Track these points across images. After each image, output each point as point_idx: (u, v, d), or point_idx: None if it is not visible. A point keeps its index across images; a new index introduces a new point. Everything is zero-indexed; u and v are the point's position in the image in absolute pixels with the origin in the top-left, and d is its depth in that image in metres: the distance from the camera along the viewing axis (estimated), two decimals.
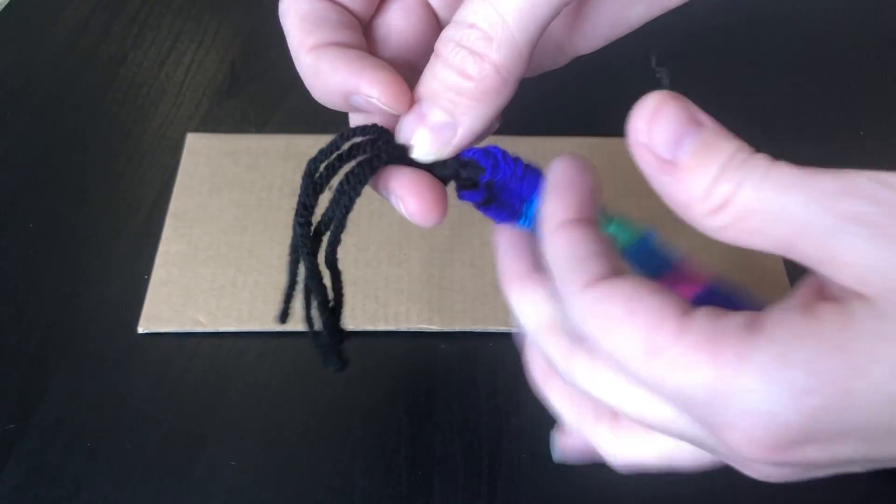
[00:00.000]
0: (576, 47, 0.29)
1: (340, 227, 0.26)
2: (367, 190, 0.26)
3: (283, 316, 0.29)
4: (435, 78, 0.24)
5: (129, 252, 0.42)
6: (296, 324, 0.39)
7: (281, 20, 0.27)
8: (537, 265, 0.24)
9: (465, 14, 0.23)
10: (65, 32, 0.55)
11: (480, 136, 0.26)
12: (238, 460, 0.35)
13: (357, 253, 0.42)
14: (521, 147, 0.52)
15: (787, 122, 0.50)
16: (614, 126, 0.52)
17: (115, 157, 0.47)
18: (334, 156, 0.26)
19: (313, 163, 0.26)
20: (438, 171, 0.25)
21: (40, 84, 0.51)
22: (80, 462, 0.34)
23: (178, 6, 0.57)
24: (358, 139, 0.26)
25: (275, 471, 0.34)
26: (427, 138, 0.25)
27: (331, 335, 0.29)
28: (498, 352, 0.39)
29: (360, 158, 0.25)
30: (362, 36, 0.27)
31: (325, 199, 0.26)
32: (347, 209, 0.26)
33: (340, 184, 0.25)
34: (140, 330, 0.38)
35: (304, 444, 0.35)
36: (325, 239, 0.26)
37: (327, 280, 0.27)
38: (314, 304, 0.28)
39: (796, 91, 0.52)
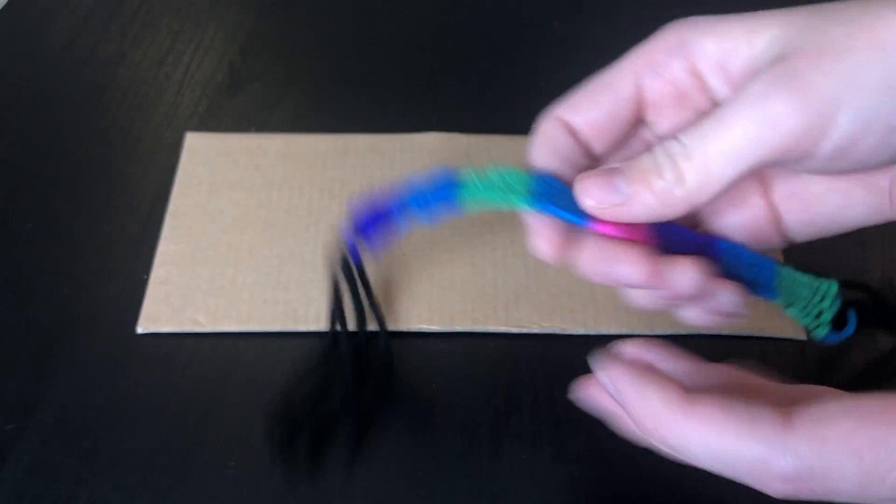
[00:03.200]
0: (789, 232, 0.31)
1: None
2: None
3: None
4: (636, 162, 0.27)
5: (128, 252, 0.42)
6: (295, 324, 0.39)
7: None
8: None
9: (683, 132, 0.26)
10: (63, 32, 0.55)
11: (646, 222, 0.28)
12: (238, 460, 0.34)
13: None
14: (521, 146, 0.52)
15: None
16: None
17: (114, 157, 0.47)
18: None
19: None
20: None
21: (39, 84, 0.51)
22: (80, 462, 0.34)
23: (177, 6, 0.57)
24: None
25: (275, 471, 0.34)
26: (599, 192, 0.28)
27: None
28: (498, 352, 0.38)
29: None
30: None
31: None
32: None
33: None
34: (139, 330, 0.38)
35: (304, 445, 0.35)
36: None
37: None
38: None
39: None
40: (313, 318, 0.39)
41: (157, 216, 0.43)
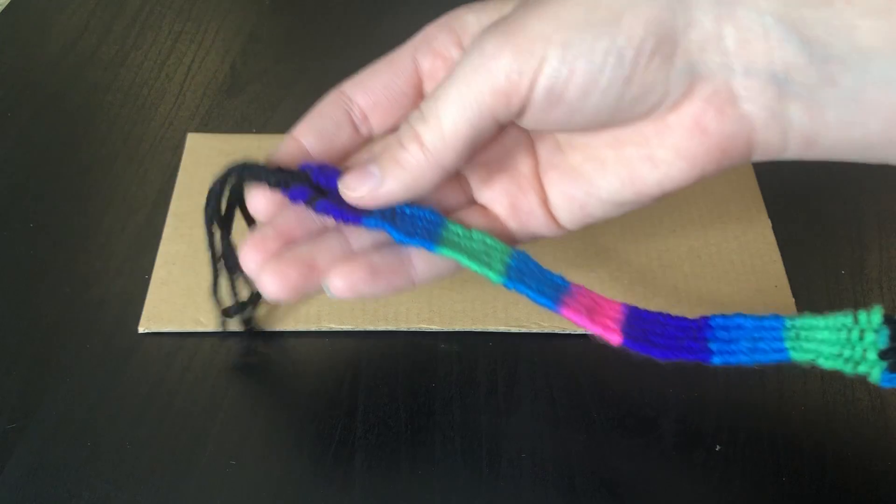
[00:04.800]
0: (555, 210, 0.32)
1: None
2: None
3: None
4: (385, 142, 0.29)
5: (130, 252, 0.42)
6: (296, 323, 0.39)
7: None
8: None
9: (421, 102, 0.28)
10: (65, 32, 0.55)
11: (410, 200, 0.29)
12: (238, 460, 0.35)
13: None
14: None
15: None
16: None
17: (115, 158, 0.47)
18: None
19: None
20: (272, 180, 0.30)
21: (40, 84, 0.51)
22: (80, 462, 0.34)
23: (179, 6, 0.57)
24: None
25: (275, 471, 0.34)
26: (356, 182, 0.29)
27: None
28: (498, 352, 0.39)
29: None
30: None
31: None
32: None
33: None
34: (140, 330, 0.39)
35: (304, 444, 0.35)
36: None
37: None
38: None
39: None
40: (314, 317, 0.39)
41: (159, 216, 0.43)
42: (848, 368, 0.27)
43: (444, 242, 0.30)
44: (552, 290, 0.30)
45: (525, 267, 0.30)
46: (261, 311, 0.39)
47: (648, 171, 0.29)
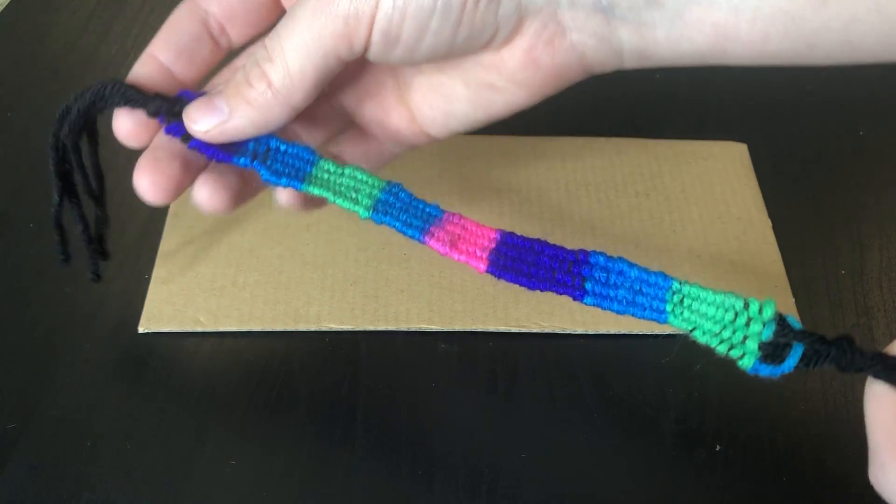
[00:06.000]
0: (424, 125, 0.33)
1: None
2: None
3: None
4: (233, 79, 0.29)
5: (130, 252, 0.42)
6: (296, 323, 0.39)
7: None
8: None
9: (265, 38, 0.29)
10: (65, 32, 0.55)
11: (259, 134, 0.30)
12: (238, 460, 0.35)
13: (357, 253, 0.42)
14: (521, 147, 0.52)
15: (787, 121, 0.50)
16: (614, 126, 0.53)
17: (115, 157, 0.47)
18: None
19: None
20: (150, 108, 0.30)
21: (41, 85, 0.51)
22: (80, 462, 0.34)
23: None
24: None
25: (275, 471, 0.34)
26: (199, 115, 0.29)
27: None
28: (498, 352, 0.39)
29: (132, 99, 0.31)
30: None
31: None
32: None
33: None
34: (140, 330, 0.39)
35: (304, 444, 0.35)
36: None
37: None
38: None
39: (796, 90, 0.52)
40: (314, 317, 0.39)
41: (159, 216, 0.43)
42: (721, 348, 0.27)
43: (313, 180, 0.30)
44: (421, 220, 0.30)
45: (395, 200, 0.30)
46: (260, 310, 0.39)
47: (493, 96, 0.30)
